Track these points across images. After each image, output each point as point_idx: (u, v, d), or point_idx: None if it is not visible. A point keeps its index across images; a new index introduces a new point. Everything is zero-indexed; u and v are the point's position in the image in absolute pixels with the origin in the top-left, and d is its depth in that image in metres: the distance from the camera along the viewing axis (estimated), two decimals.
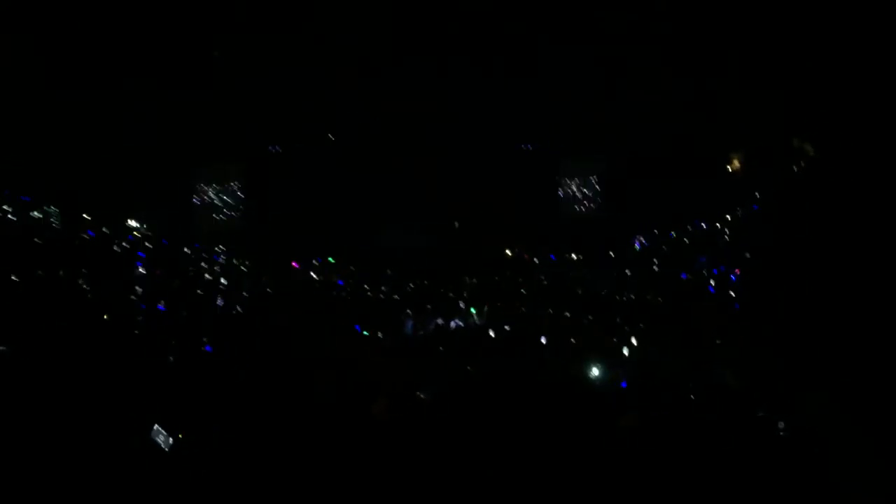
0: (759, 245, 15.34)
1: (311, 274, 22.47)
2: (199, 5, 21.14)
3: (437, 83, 24.78)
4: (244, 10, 21.66)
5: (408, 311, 16.48)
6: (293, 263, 22.42)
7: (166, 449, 6.25)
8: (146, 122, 21.84)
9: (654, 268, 19.47)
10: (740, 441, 6.27)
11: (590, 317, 15.72)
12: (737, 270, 15.94)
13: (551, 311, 16.48)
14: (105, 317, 12.84)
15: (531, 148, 25.60)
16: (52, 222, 17.87)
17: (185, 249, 21.09)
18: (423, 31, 23.00)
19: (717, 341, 11.29)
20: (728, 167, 20.90)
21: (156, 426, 6.33)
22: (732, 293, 14.93)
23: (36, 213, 17.63)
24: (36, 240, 16.34)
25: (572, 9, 21.17)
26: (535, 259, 23.91)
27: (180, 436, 6.32)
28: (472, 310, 16.53)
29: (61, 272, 14.83)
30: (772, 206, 16.24)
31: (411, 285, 21.48)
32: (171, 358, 10.52)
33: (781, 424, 6.17)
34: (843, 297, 9.75)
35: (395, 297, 20.12)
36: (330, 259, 23.89)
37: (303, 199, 24.70)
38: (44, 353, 9.02)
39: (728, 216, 18.76)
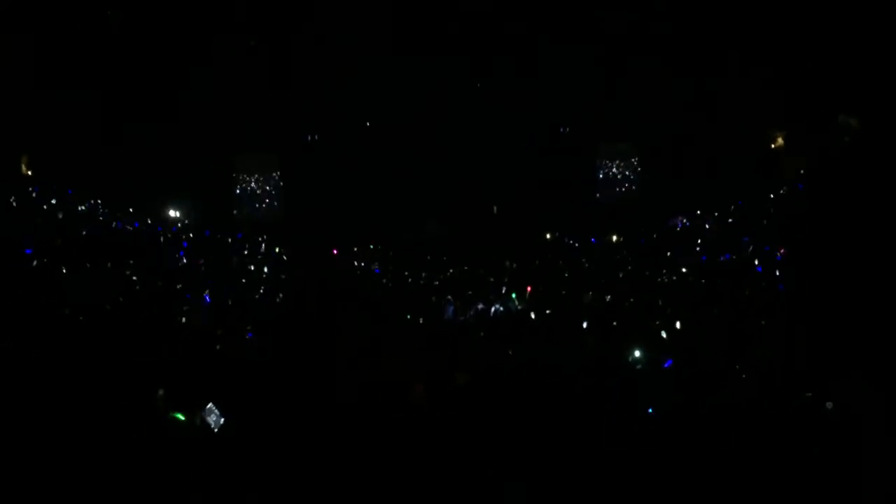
0: (804, 225, 15.05)
1: (352, 261, 22.62)
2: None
3: (477, 73, 24.85)
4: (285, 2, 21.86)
5: (448, 296, 16.49)
6: (334, 251, 22.58)
7: (216, 429, 6.36)
8: (187, 114, 22.12)
9: (696, 249, 19.22)
10: (775, 424, 6.19)
11: (631, 299, 15.58)
12: (781, 250, 15.67)
13: (592, 294, 16.37)
14: (152, 307, 13.08)
15: (569, 131, 25.46)
16: (97, 215, 18.22)
17: (228, 240, 21.35)
18: (461, 26, 23.07)
19: (762, 322, 11.12)
20: (772, 145, 20.57)
21: (210, 405, 6.43)
22: (777, 274, 14.68)
23: (81, 206, 17.99)
24: (83, 232, 16.68)
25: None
26: (575, 242, 23.77)
27: (223, 419, 6.44)
28: (514, 294, 16.48)
29: (109, 264, 15.12)
30: (817, 185, 15.91)
31: (451, 270, 21.49)
32: (217, 346, 10.69)
33: (825, 406, 6.08)
34: (885, 282, 9.56)
35: (436, 282, 20.14)
36: (371, 246, 24.03)
37: (342, 188, 24.83)
38: (92, 340, 9.22)
39: (772, 195, 18.45)
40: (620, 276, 19.20)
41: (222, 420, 6.39)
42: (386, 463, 6.06)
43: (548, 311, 14.69)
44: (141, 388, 7.06)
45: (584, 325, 12.36)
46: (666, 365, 8.31)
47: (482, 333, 12.86)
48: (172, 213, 21.38)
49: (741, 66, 19.82)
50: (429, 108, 25.12)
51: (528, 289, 16.81)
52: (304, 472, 6.06)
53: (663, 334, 10.68)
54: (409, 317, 14.81)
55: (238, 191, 25.32)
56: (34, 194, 16.93)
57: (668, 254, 19.56)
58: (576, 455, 6.15)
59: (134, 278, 14.92)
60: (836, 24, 16.15)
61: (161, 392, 6.93)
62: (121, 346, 9.19)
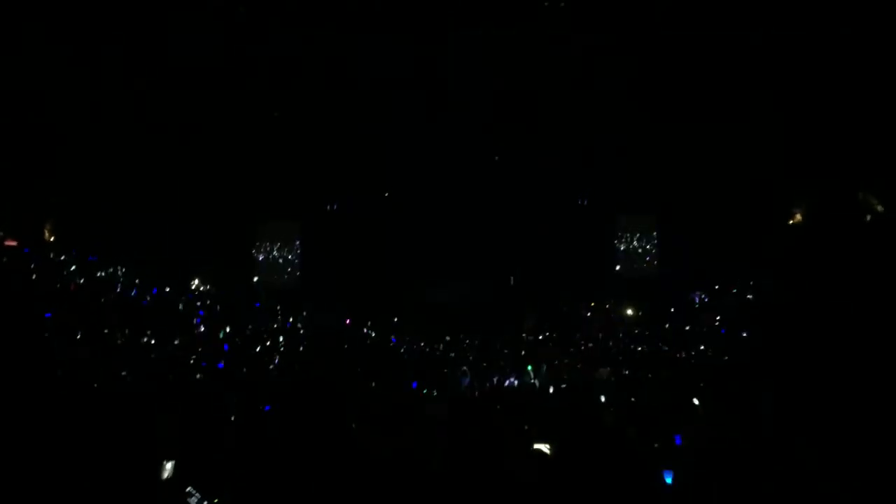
0: (820, 303, 14.89)
1: (368, 331, 22.60)
2: (263, 68, 21.88)
3: (495, 144, 25.13)
4: (308, 71, 22.33)
5: (464, 367, 16.42)
6: (347, 321, 22.59)
7: None
8: (208, 182, 22.44)
9: (715, 324, 19.06)
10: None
11: (649, 375, 15.43)
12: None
13: (610, 368, 16.24)
14: (168, 374, 13.07)
15: (586, 203, 25.56)
16: (116, 281, 18.39)
17: (245, 309, 21.43)
18: (481, 96, 23.44)
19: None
20: (790, 221, 20.53)
21: (189, 488, 6.30)
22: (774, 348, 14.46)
23: (101, 272, 18.19)
24: (102, 300, 16.81)
25: (626, 61, 21.35)
26: (592, 315, 23.65)
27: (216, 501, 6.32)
28: (529, 367, 16.39)
29: (126, 330, 15.19)
30: (836, 265, 15.79)
31: (467, 342, 21.41)
32: (232, 417, 10.60)
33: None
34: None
35: (452, 354, 20.05)
36: (387, 316, 24.03)
37: (361, 256, 24.95)
38: (106, 406, 9.19)
39: (791, 272, 18.33)
40: (639, 350, 19.06)
41: (205, 502, 6.25)
42: None
43: (563, 385, 14.58)
44: (152, 457, 7.00)
45: (602, 399, 12.24)
46: (677, 441, 8.16)
47: (498, 406, 12.72)
48: (192, 281, 21.54)
49: (763, 142, 19.92)
50: (447, 180, 25.36)
51: (551, 367, 16.75)
52: None
53: (685, 409, 10.53)
54: (424, 389, 14.72)
55: (258, 259, 25.49)
56: (55, 259, 17.18)
57: (687, 328, 19.44)
58: None
59: (151, 343, 14.99)
60: (864, 102, 16.26)
61: (169, 464, 6.84)
62: (135, 413, 9.15)
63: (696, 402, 10.90)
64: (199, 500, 6.23)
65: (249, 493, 6.60)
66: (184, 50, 20.37)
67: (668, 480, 6.55)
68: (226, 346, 16.21)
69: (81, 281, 17.09)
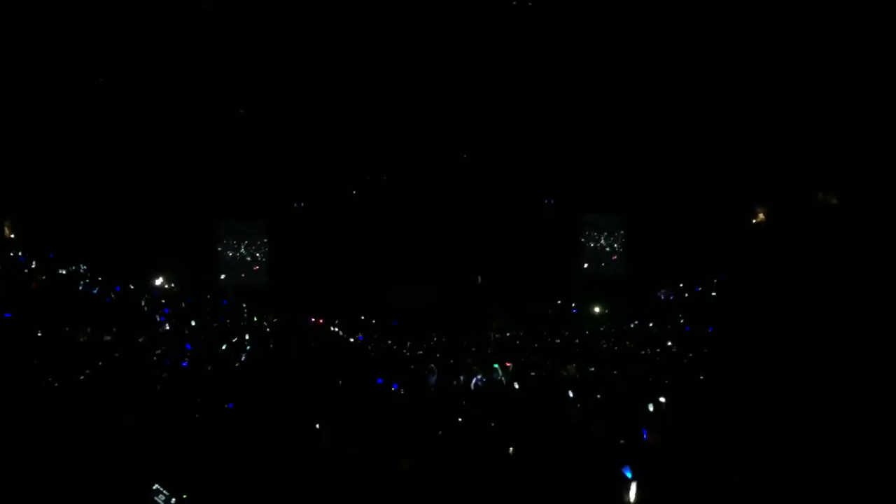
0: (786, 298, 15.11)
1: (335, 329, 22.50)
2: (231, 70, 21.70)
3: (463, 144, 25.16)
4: (274, 71, 22.18)
5: (431, 365, 16.39)
6: (311, 319, 22.47)
7: None
8: (175, 180, 22.21)
9: (680, 321, 19.27)
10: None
11: (614, 371, 15.54)
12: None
13: (576, 365, 16.32)
14: (130, 372, 12.90)
15: (553, 203, 25.68)
16: (79, 279, 18.12)
17: (210, 306, 21.24)
18: (448, 97, 23.48)
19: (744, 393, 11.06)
20: (753, 220, 20.78)
21: (155, 486, 6.22)
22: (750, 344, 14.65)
23: (63, 269, 17.90)
24: (64, 296, 16.55)
25: (596, 63, 21.47)
26: (560, 313, 23.78)
27: (184, 496, 6.25)
28: (496, 365, 16.39)
29: (88, 329, 14.96)
30: (795, 260, 16.04)
31: (435, 339, 21.41)
32: (196, 414, 10.50)
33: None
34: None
35: (420, 352, 20.03)
36: (355, 314, 23.96)
37: (328, 255, 24.85)
38: (69, 406, 9.07)
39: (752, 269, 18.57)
40: (604, 347, 19.19)
41: (173, 500, 6.18)
42: None
43: (529, 383, 14.62)
44: (117, 456, 6.92)
45: (570, 394, 12.29)
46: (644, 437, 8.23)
47: (464, 403, 12.72)
48: (156, 279, 21.27)
49: (727, 141, 20.17)
50: (415, 179, 25.36)
51: (508, 365, 16.74)
52: None
53: (649, 407, 10.61)
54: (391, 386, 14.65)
55: (222, 257, 25.24)
56: (15, 257, 16.88)
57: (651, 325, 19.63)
58: None
59: (113, 342, 14.77)
60: (823, 102, 16.53)
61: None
62: (97, 412, 9.04)
63: (661, 399, 11.01)
64: (165, 498, 6.15)
65: (218, 491, 6.55)
66: (151, 49, 20.17)
67: (629, 475, 6.61)
68: (188, 346, 16.01)
69: (43, 278, 16.80)
